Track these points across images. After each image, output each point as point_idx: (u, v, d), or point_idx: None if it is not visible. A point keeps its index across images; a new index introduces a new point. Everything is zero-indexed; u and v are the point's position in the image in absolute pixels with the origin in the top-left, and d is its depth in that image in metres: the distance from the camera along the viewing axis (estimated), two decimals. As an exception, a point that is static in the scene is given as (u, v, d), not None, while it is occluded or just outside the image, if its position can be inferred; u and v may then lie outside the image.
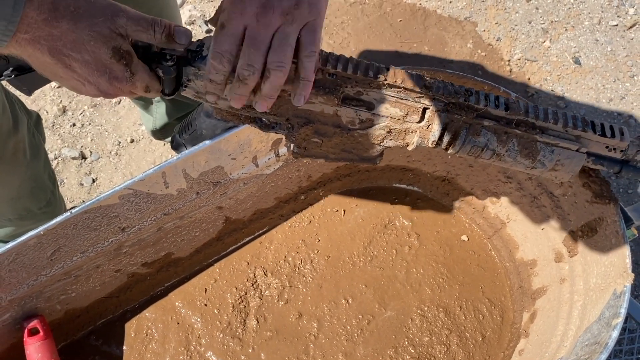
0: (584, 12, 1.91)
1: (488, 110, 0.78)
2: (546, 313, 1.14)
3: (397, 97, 0.76)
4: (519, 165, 0.83)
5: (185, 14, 1.90)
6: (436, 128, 0.78)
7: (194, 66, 0.72)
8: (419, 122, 0.78)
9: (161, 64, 0.69)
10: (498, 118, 0.80)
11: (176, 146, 1.51)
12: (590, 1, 1.93)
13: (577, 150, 0.82)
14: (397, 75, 0.75)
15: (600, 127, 0.82)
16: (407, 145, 0.82)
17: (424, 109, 0.78)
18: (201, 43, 0.72)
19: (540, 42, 1.86)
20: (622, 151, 0.83)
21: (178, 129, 1.48)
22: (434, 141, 0.79)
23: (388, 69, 0.75)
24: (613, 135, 0.82)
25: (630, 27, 1.86)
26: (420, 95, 0.76)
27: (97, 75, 0.65)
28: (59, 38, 0.61)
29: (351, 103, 0.76)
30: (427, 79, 0.77)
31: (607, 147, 0.83)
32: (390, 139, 0.81)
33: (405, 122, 0.79)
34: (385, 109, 0.77)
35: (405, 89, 0.76)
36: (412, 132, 0.80)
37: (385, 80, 0.74)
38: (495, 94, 0.80)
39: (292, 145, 0.81)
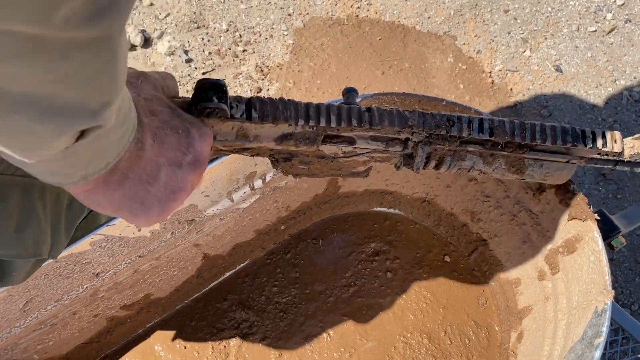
0: (562, 19, 1.90)
1: (472, 137, 0.77)
2: (533, 333, 1.12)
3: (379, 133, 0.76)
4: (507, 177, 0.83)
5: (164, 45, 1.91)
6: (419, 159, 0.78)
7: None
8: (402, 150, 0.78)
9: None
10: (483, 142, 0.79)
11: None
12: (568, 8, 1.92)
13: (567, 162, 0.81)
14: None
15: (591, 138, 0.80)
16: (394, 166, 0.82)
17: (407, 139, 0.77)
18: None
19: (521, 52, 1.85)
20: (615, 154, 0.81)
21: None
22: (418, 169, 0.78)
23: (369, 110, 0.74)
24: (605, 145, 0.80)
25: (609, 32, 1.85)
26: (401, 130, 0.76)
27: None
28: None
29: (332, 141, 0.76)
30: (408, 115, 0.76)
31: (599, 153, 0.81)
32: (376, 161, 0.81)
33: (388, 151, 0.78)
34: (367, 143, 0.77)
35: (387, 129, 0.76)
36: (395, 157, 0.80)
37: (369, 128, 0.74)
38: (479, 119, 0.79)
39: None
